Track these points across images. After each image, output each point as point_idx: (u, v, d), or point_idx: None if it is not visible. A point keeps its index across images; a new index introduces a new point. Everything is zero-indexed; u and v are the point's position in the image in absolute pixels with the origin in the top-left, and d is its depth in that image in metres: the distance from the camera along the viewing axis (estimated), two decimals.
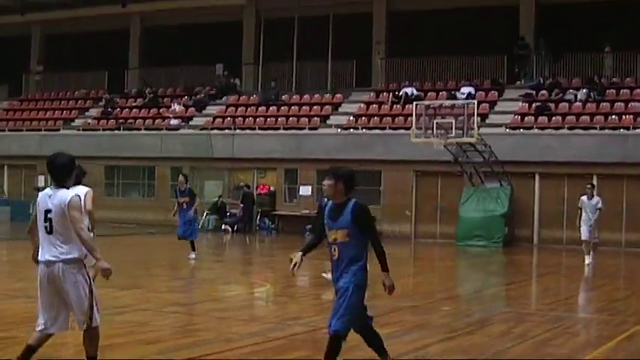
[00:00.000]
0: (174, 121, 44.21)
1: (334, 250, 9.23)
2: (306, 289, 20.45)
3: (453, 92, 39.66)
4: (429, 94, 40.58)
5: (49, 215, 8.80)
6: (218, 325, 13.52)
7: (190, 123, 44.25)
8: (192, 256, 24.86)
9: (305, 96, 43.84)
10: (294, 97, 44.18)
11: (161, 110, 45.98)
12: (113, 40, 49.98)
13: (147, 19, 50.17)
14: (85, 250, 8.83)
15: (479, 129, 33.44)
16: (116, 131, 44.78)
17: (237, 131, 41.69)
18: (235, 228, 39.39)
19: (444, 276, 24.32)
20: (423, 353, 11.31)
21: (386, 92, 42.24)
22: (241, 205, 39.57)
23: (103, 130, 45.53)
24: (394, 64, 43.71)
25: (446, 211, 36.36)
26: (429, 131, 33.21)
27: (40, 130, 46.83)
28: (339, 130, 40.14)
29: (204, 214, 39.38)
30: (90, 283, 8.89)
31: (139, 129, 44.45)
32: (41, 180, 43.67)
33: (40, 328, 8.94)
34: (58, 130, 46.75)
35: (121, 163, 43.16)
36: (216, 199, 40.63)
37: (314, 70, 45.01)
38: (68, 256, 8.77)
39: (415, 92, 40.23)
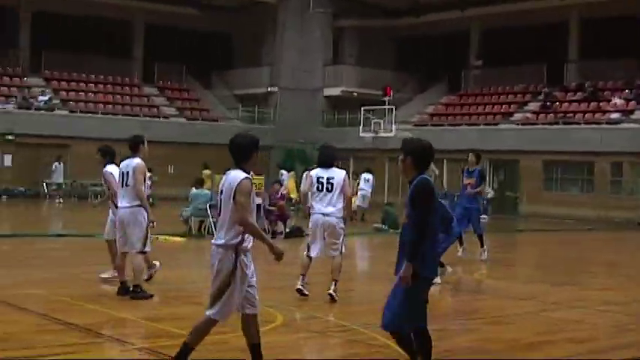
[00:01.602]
0: (614, 115, 42.96)
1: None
2: None
3: None
4: None
5: (220, 197, 8.23)
6: None
7: (631, 117, 42.75)
8: (484, 256, 20.05)
9: None
10: None
11: (601, 104, 44.86)
12: (551, 33, 49.48)
13: (584, 10, 48.86)
14: (244, 237, 8.05)
15: None
16: (554, 125, 44.18)
17: None
18: None
19: None
20: None
21: None
22: None
23: (542, 124, 45.13)
24: None
25: None
26: None
27: (479, 124, 47.35)
28: None
29: None
30: (233, 272, 8.00)
31: (579, 123, 43.59)
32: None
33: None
34: (497, 124, 47.00)
35: (559, 157, 42.47)
36: None
37: None
38: (220, 242, 8.06)
39: None
